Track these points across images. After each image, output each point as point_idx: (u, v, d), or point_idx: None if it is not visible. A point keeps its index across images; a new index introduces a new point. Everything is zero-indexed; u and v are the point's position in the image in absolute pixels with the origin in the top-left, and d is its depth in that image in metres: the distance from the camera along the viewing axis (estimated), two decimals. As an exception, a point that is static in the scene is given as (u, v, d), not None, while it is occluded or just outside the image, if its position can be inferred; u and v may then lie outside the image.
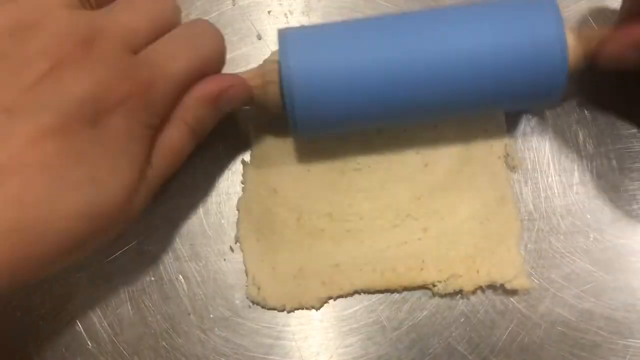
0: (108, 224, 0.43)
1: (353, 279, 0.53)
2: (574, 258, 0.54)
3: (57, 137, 0.39)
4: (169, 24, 0.47)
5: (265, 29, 0.62)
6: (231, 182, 0.58)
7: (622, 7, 0.52)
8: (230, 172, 0.58)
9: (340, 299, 0.54)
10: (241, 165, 0.58)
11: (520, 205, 0.56)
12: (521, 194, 0.56)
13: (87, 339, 0.54)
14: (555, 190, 0.56)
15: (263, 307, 0.54)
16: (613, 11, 0.60)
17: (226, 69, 0.61)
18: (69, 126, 0.40)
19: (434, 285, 0.53)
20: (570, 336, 0.52)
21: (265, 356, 0.53)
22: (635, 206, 0.55)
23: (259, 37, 0.62)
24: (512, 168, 0.56)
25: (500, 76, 0.49)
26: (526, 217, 0.55)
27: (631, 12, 0.50)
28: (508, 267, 0.53)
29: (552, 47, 0.48)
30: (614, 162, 0.56)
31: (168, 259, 0.56)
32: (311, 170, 0.57)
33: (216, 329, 0.54)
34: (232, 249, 0.56)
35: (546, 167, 0.57)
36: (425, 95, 0.49)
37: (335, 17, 0.62)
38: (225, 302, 0.55)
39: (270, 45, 0.62)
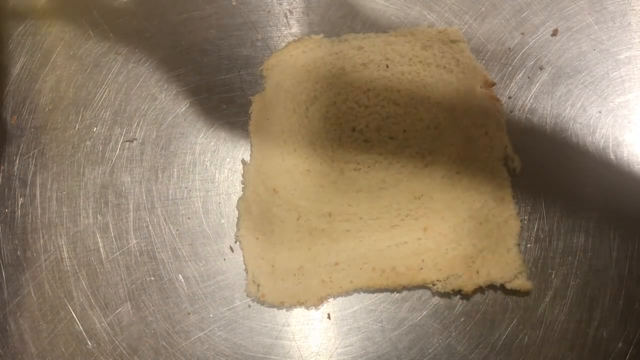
0: None
1: (353, 277, 0.53)
2: (574, 258, 0.54)
3: None
4: None
5: (265, 29, 0.62)
6: (231, 182, 0.58)
7: None
8: (230, 172, 0.58)
9: (340, 298, 0.54)
10: (241, 165, 0.58)
11: (520, 205, 0.56)
12: (521, 194, 0.56)
13: (87, 339, 0.54)
14: (555, 190, 0.56)
15: (262, 304, 0.54)
16: (613, 12, 0.61)
17: (227, 69, 0.61)
18: None
19: (434, 285, 0.53)
20: (570, 336, 0.52)
21: (265, 356, 0.53)
22: (634, 205, 0.55)
23: (259, 37, 0.62)
24: (512, 170, 0.56)
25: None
26: (526, 217, 0.55)
27: None
28: (508, 268, 0.53)
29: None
30: (614, 161, 0.57)
31: (168, 259, 0.56)
32: (311, 170, 0.57)
33: (216, 328, 0.54)
34: (232, 249, 0.56)
35: (546, 167, 0.57)
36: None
37: (336, 18, 0.62)
38: (225, 302, 0.55)
39: (270, 46, 0.62)
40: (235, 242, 0.56)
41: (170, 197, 0.58)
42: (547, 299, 0.53)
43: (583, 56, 0.60)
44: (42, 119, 0.60)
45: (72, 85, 0.61)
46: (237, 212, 0.57)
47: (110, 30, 0.63)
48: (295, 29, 0.62)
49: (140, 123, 0.60)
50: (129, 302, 0.55)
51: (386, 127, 0.58)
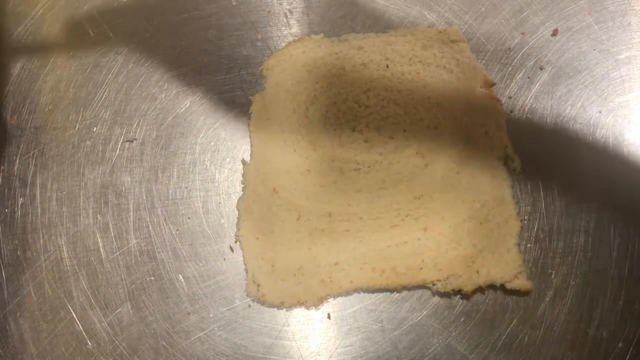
0: None
1: (353, 277, 0.53)
2: (574, 258, 0.54)
3: None
4: None
5: (265, 29, 0.62)
6: (231, 182, 0.58)
7: None
8: (230, 172, 0.58)
9: (340, 298, 0.54)
10: (241, 165, 0.58)
11: (520, 205, 0.56)
12: (521, 194, 0.56)
13: (87, 339, 0.54)
14: (555, 190, 0.56)
15: (262, 304, 0.54)
16: (613, 12, 0.61)
17: (227, 69, 0.61)
18: None
19: (434, 285, 0.53)
20: (570, 336, 0.52)
21: (265, 356, 0.53)
22: (635, 205, 0.55)
23: (259, 37, 0.62)
24: (512, 170, 0.56)
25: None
26: (526, 217, 0.55)
27: None
28: (508, 268, 0.53)
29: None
30: (614, 162, 0.57)
31: (168, 259, 0.56)
32: (311, 170, 0.57)
33: (216, 328, 0.54)
34: (232, 249, 0.56)
35: (546, 167, 0.57)
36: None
37: (336, 18, 0.62)
38: (225, 302, 0.55)
39: (270, 46, 0.62)
40: (235, 242, 0.56)
41: (170, 197, 0.58)
42: (547, 299, 0.53)
43: (583, 56, 0.60)
44: (42, 119, 0.60)
45: (72, 85, 0.61)
46: (237, 212, 0.57)
47: (110, 30, 0.63)
48: (295, 29, 0.62)
49: (140, 123, 0.60)
50: (129, 302, 0.55)
51: (386, 127, 0.58)
